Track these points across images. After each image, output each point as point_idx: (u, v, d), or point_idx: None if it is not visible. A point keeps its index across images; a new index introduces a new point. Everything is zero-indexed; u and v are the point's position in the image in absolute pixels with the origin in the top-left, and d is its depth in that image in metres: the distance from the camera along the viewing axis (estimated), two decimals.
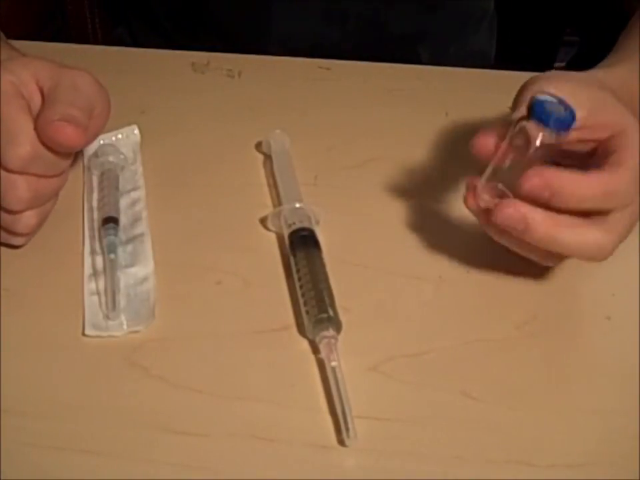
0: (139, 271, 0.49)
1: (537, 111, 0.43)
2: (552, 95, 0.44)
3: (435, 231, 0.53)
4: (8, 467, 0.40)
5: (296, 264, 0.49)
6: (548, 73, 0.48)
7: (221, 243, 0.52)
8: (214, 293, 0.49)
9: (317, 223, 0.52)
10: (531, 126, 0.43)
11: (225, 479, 0.40)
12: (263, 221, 0.54)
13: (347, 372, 0.43)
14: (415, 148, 0.60)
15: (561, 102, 0.44)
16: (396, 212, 0.55)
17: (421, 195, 0.56)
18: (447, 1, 0.79)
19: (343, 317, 0.46)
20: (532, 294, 0.49)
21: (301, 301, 0.47)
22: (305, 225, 0.51)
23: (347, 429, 0.40)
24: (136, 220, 0.53)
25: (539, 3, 0.87)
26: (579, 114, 0.44)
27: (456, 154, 0.60)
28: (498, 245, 0.48)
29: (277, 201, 0.55)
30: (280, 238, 0.52)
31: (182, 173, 0.58)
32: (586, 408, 0.44)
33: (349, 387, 0.42)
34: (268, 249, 0.52)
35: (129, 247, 0.51)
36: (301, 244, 0.50)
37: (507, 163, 0.44)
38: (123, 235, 0.51)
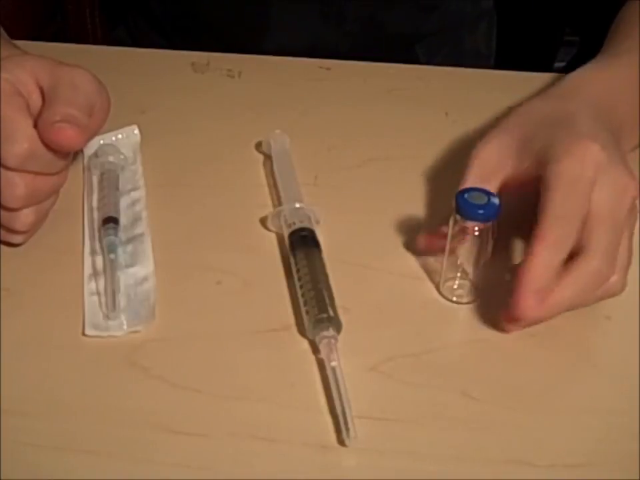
0: (139, 271, 0.49)
1: (462, 209, 0.46)
2: (473, 189, 0.47)
3: (434, 231, 0.53)
4: (8, 466, 0.39)
5: (296, 264, 0.49)
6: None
7: (221, 242, 0.52)
8: (214, 293, 0.49)
9: (317, 222, 0.52)
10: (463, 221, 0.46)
11: (224, 479, 0.40)
12: (263, 221, 0.54)
13: (347, 372, 0.43)
14: (415, 148, 0.60)
15: (482, 191, 0.46)
16: (396, 212, 0.55)
17: (421, 194, 0.56)
18: (445, 0, 0.79)
19: (343, 317, 0.46)
20: None
21: (301, 300, 0.47)
22: (305, 224, 0.51)
23: (347, 429, 0.40)
24: (136, 220, 0.53)
25: (538, 3, 0.87)
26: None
27: (456, 154, 0.60)
28: (497, 245, 0.48)
29: (277, 201, 0.55)
30: (280, 238, 0.52)
31: (182, 173, 0.58)
32: (586, 408, 0.44)
33: (349, 386, 0.42)
34: (268, 249, 0.52)
35: (129, 247, 0.51)
36: (301, 244, 0.50)
37: (458, 246, 0.48)
38: (123, 235, 0.51)
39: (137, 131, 0.59)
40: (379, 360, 0.45)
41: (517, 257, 0.51)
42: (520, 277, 0.44)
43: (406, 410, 0.43)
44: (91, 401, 0.43)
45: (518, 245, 0.51)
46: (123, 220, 0.52)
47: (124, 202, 0.54)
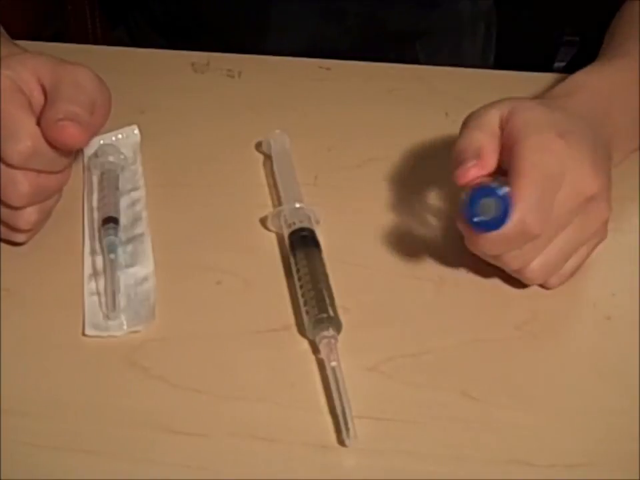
0: (139, 271, 0.49)
1: (465, 208, 0.43)
2: (499, 183, 0.43)
3: (435, 231, 0.53)
4: (8, 467, 0.40)
5: (296, 264, 0.49)
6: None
7: (221, 242, 0.52)
8: (214, 293, 0.49)
9: (317, 222, 0.52)
10: None
11: (224, 479, 0.40)
12: (263, 221, 0.54)
13: (347, 372, 0.43)
14: (415, 148, 0.60)
15: (500, 195, 0.42)
16: (396, 212, 0.55)
17: (421, 194, 0.56)
18: None
19: (342, 317, 0.46)
20: (532, 294, 0.49)
21: (301, 300, 0.47)
22: (305, 224, 0.51)
23: (347, 429, 0.40)
24: (136, 220, 0.53)
25: (538, 3, 0.87)
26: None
27: None
28: None
29: (277, 201, 0.55)
30: (280, 238, 0.52)
31: (182, 173, 0.58)
32: (586, 408, 0.44)
33: (349, 387, 0.42)
34: (268, 249, 0.52)
35: (129, 247, 0.51)
36: (301, 244, 0.50)
37: None
38: (123, 235, 0.51)
39: (136, 131, 0.59)
40: (379, 360, 0.45)
41: None
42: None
43: (406, 410, 0.43)
44: (91, 401, 0.43)
45: None
46: (123, 220, 0.52)
47: (124, 202, 0.54)
